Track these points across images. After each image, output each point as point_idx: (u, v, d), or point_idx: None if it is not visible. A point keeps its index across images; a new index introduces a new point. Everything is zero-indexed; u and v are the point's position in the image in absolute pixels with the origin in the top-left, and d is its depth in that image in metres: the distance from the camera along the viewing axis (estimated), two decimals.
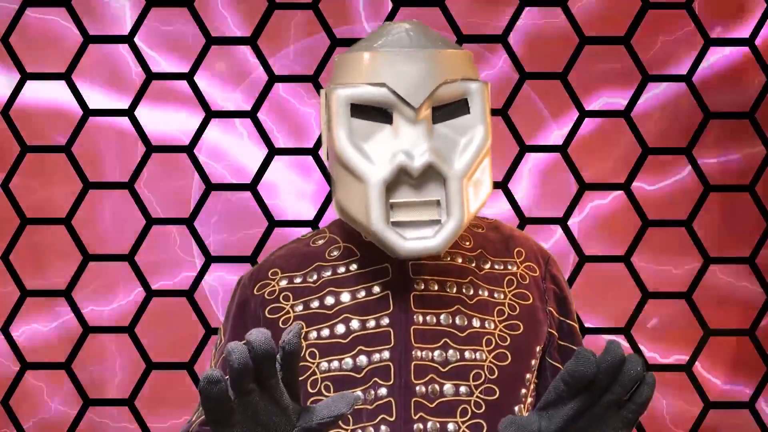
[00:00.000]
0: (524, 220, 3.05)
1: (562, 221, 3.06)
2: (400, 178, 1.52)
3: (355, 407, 1.53)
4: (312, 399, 1.56)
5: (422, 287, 1.60)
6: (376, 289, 1.61)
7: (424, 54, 1.54)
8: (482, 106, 1.56)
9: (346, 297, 1.61)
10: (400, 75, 1.52)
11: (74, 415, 3.05)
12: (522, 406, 1.60)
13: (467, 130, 1.55)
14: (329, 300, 1.61)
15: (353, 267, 1.64)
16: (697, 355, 3.05)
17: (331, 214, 3.01)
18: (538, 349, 1.63)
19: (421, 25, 1.61)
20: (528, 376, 1.61)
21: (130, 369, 3.06)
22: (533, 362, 1.62)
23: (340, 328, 1.58)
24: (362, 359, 1.56)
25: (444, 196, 1.52)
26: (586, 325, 3.05)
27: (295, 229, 3.04)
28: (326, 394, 1.56)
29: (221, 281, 3.06)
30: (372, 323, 1.58)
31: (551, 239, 3.06)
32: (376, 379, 1.55)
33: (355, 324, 1.58)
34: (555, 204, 3.07)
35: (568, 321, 1.69)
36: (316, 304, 1.62)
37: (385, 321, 1.58)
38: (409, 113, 1.52)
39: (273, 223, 3.06)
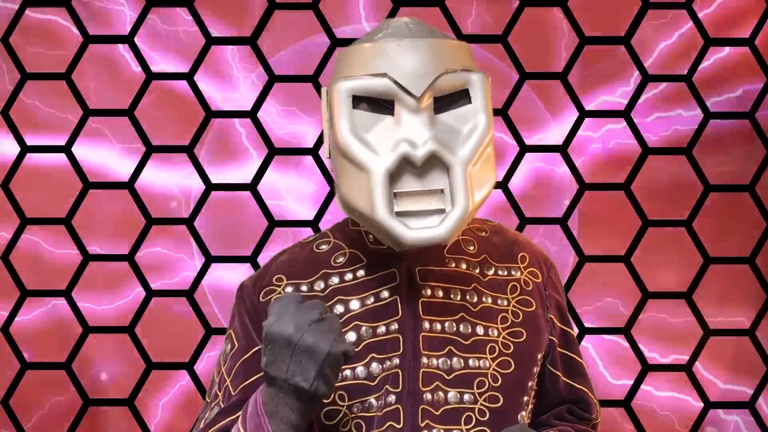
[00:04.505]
0: (524, 220, 3.05)
1: (562, 221, 3.06)
2: (403, 167, 1.50)
3: (368, 414, 1.53)
4: (327, 409, 1.55)
5: (429, 293, 1.59)
6: (385, 294, 1.59)
7: (425, 43, 1.53)
8: (483, 96, 1.55)
9: (355, 304, 1.59)
10: (401, 65, 1.51)
11: (74, 415, 3.05)
12: (524, 413, 1.60)
13: (469, 119, 1.54)
14: (338, 309, 1.59)
15: (360, 273, 1.62)
16: (697, 355, 3.05)
17: (333, 215, 3.01)
18: (539, 356, 1.63)
19: (420, 20, 1.60)
20: (530, 383, 1.61)
21: (130, 369, 3.06)
22: (535, 369, 1.62)
23: (351, 336, 1.57)
24: (375, 366, 1.55)
25: (448, 185, 1.51)
26: (587, 325, 3.05)
27: (295, 230, 3.04)
28: (341, 403, 1.54)
29: (221, 281, 3.06)
30: (382, 329, 1.57)
31: (551, 239, 3.05)
32: (387, 386, 1.54)
33: (365, 331, 1.57)
34: (555, 204, 3.07)
35: (568, 329, 1.69)
36: None
37: (394, 327, 1.57)
38: (411, 103, 1.51)
39: (273, 223, 3.06)
